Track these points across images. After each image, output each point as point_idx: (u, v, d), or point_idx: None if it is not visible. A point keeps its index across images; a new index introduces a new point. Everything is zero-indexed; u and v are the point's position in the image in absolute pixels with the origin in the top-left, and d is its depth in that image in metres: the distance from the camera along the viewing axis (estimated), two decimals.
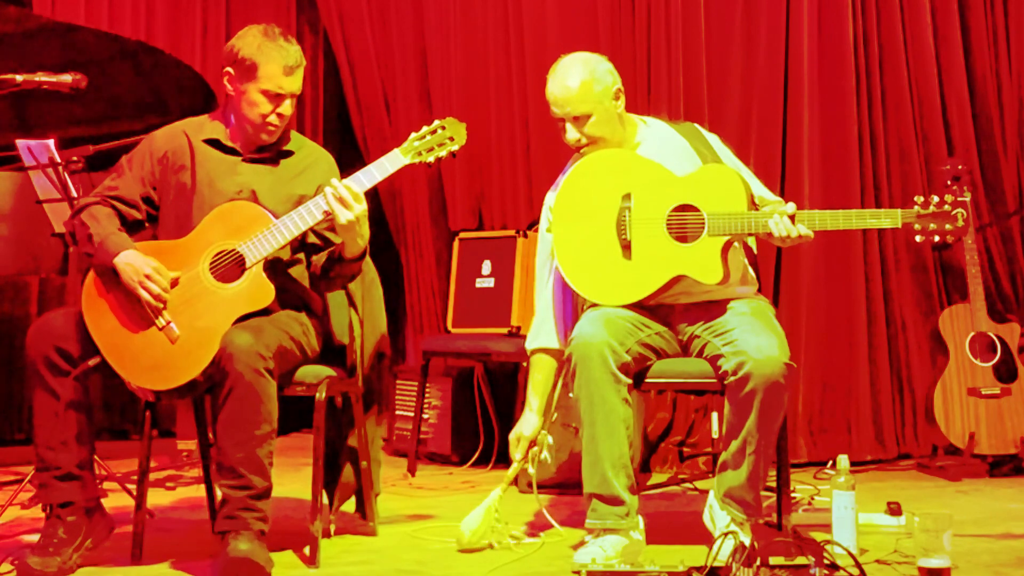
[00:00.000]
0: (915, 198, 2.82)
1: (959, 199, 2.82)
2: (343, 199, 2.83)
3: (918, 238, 2.81)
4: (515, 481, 3.22)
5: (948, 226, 2.78)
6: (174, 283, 2.85)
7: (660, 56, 4.62)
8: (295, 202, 2.99)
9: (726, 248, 2.89)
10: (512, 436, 3.11)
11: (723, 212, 2.87)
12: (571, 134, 3.04)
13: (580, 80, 2.99)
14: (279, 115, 2.99)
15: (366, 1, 5.68)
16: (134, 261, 2.84)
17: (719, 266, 2.88)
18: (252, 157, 3.05)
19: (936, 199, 2.79)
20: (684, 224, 2.92)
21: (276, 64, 2.95)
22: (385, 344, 3.32)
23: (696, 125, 3.23)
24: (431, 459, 4.74)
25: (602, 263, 2.98)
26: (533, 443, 3.09)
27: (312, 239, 3.05)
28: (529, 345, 3.17)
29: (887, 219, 2.82)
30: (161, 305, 2.83)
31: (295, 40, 3.03)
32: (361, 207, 2.85)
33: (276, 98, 2.97)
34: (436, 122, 2.97)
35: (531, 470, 3.12)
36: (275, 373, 2.78)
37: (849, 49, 4.48)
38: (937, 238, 2.79)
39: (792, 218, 2.81)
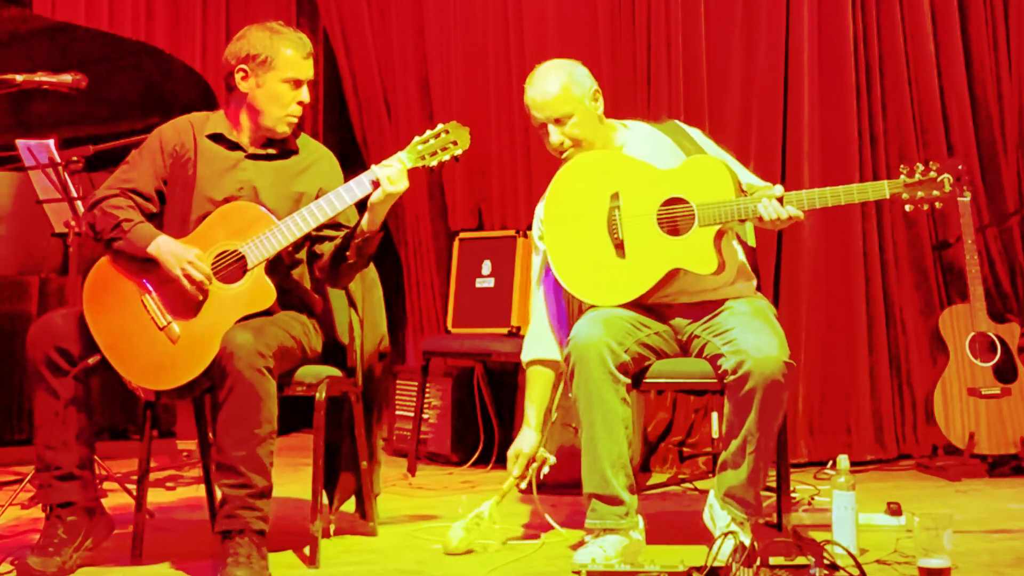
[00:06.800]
0: (900, 167, 2.83)
1: (944, 166, 2.83)
2: (393, 176, 2.88)
3: (908, 207, 2.81)
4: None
5: (936, 192, 2.78)
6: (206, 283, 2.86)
7: (660, 56, 4.62)
8: (296, 200, 2.99)
9: (718, 237, 2.90)
10: (511, 452, 3.11)
11: (712, 201, 2.87)
12: (554, 137, 3.05)
13: (559, 83, 3.03)
14: (300, 103, 3.02)
15: (366, 1, 5.68)
16: (175, 249, 2.85)
17: (713, 256, 2.88)
18: (255, 153, 3.05)
19: (921, 167, 2.80)
20: (675, 217, 2.93)
21: (294, 52, 2.99)
22: (385, 344, 3.32)
23: (677, 122, 3.24)
24: (431, 459, 4.74)
25: (597, 264, 2.98)
26: (532, 459, 3.09)
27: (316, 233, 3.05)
28: (524, 357, 3.16)
29: (874, 192, 2.83)
30: (201, 297, 2.83)
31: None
32: (406, 182, 2.91)
33: (297, 85, 3.00)
34: (440, 126, 2.96)
35: (530, 483, 3.11)
36: (275, 372, 2.78)
37: (849, 49, 4.48)
38: (926, 206, 2.79)
39: (781, 200, 2.81)
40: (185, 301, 2.85)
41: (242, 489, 2.72)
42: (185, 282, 2.82)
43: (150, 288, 2.87)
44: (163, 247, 2.85)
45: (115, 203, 2.93)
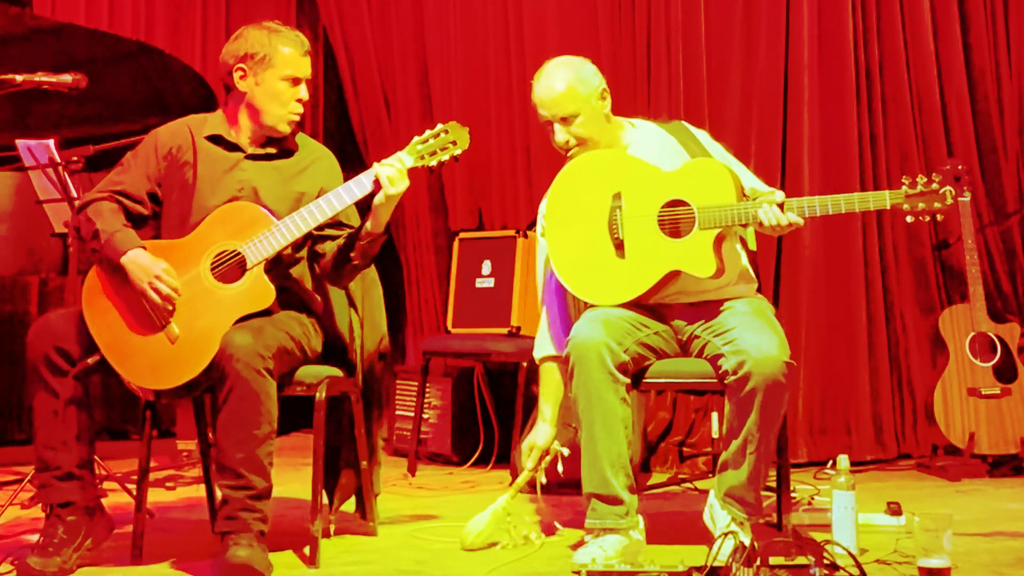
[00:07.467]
0: (903, 178, 2.82)
1: (947, 177, 2.81)
2: (393, 176, 2.88)
3: (908, 219, 2.80)
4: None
5: (937, 204, 2.77)
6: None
7: (660, 56, 4.62)
8: (295, 199, 2.99)
9: (718, 241, 2.90)
10: (525, 445, 3.11)
11: (713, 205, 2.87)
12: (559, 136, 3.05)
13: (566, 82, 3.01)
14: (300, 101, 3.02)
15: (366, 1, 5.68)
16: (143, 261, 2.84)
17: (712, 259, 2.88)
18: (255, 153, 3.05)
19: (923, 179, 2.79)
20: (675, 219, 2.93)
21: (292, 50, 3.00)
22: (385, 344, 3.32)
23: (684, 123, 3.24)
24: (431, 459, 4.74)
25: (596, 264, 2.98)
26: (546, 453, 3.09)
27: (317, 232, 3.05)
28: (536, 354, 3.16)
29: (875, 201, 2.82)
30: (169, 307, 2.83)
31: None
32: (407, 182, 2.91)
33: (296, 82, 3.01)
34: (439, 126, 2.96)
35: (543, 480, 3.12)
36: (275, 373, 2.78)
37: (849, 49, 4.48)
38: (927, 218, 2.79)
39: (781, 206, 2.81)
40: (184, 301, 2.84)
41: (242, 491, 2.73)
42: (151, 294, 2.81)
43: None
44: (132, 259, 2.84)
45: (99, 207, 2.94)
